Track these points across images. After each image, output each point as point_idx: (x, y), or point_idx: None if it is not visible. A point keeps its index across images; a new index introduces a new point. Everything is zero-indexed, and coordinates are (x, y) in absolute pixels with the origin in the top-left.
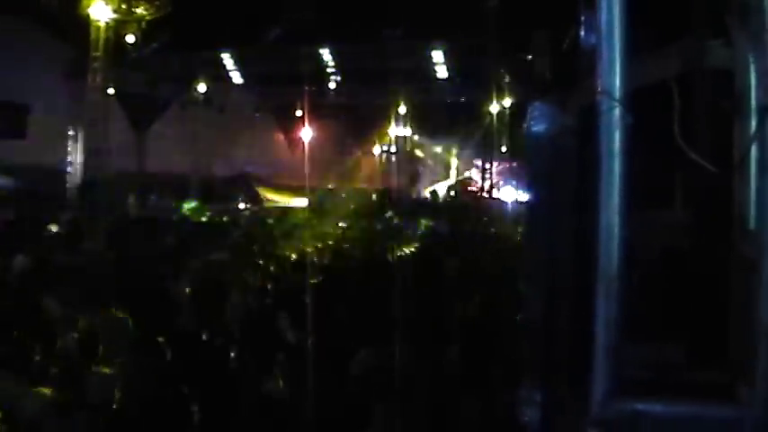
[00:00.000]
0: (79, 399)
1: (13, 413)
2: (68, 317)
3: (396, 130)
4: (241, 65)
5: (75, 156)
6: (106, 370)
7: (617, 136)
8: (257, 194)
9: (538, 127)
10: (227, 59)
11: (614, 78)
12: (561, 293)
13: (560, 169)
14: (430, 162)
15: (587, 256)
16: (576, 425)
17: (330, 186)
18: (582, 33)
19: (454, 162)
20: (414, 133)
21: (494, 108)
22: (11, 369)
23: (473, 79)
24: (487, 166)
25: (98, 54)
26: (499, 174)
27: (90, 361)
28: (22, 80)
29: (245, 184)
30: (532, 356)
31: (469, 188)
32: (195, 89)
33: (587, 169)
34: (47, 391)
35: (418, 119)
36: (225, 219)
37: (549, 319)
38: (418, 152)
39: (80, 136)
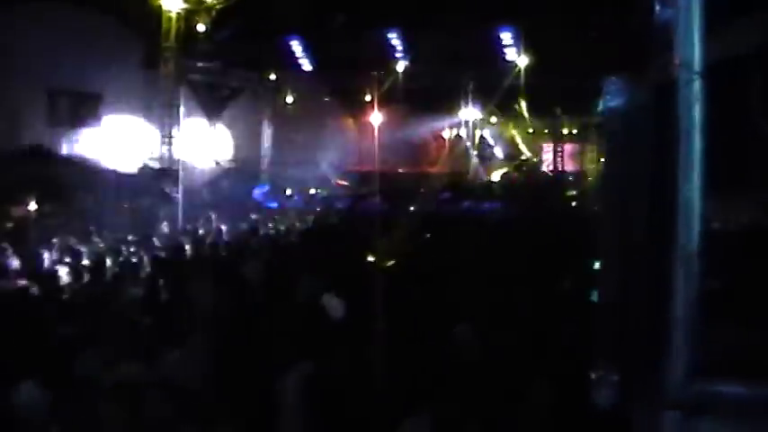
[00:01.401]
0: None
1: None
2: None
3: (465, 113)
4: (309, 51)
5: (151, 144)
6: (183, 351)
7: (696, 110)
8: (328, 180)
9: (612, 103)
10: (296, 46)
11: (692, 51)
12: (637, 271)
13: (636, 145)
14: (499, 144)
15: (665, 233)
16: (652, 407)
17: (400, 170)
18: (655, 7)
19: (522, 143)
20: (484, 115)
21: (563, 87)
22: (95, 346)
23: (542, 59)
24: (557, 147)
25: (170, 44)
26: (570, 156)
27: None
28: (96, 71)
29: (316, 170)
30: (607, 336)
31: (530, 169)
32: (265, 76)
33: (663, 145)
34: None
35: (488, 101)
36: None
37: (624, 297)
38: (487, 134)
39: (155, 124)
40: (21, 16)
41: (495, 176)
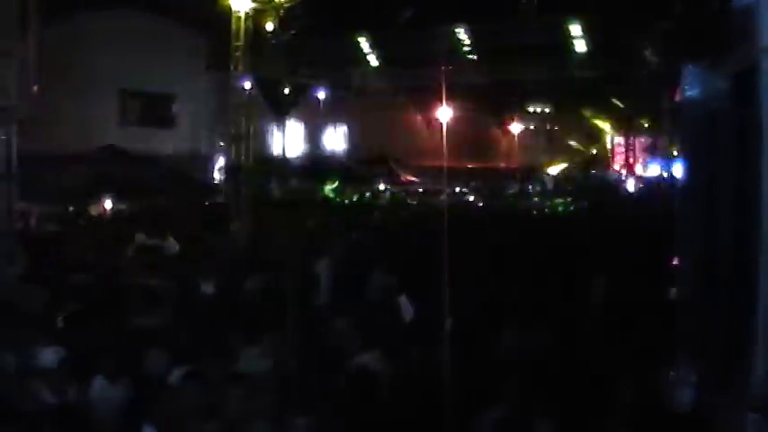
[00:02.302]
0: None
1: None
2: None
3: (534, 106)
4: (376, 47)
5: (219, 142)
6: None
7: None
8: (397, 175)
9: (690, 93)
10: (364, 42)
11: None
12: (718, 269)
13: (715, 137)
14: (567, 138)
15: (749, 230)
16: (734, 407)
17: (469, 165)
18: None
19: (590, 137)
20: (552, 109)
21: (633, 79)
22: (162, 346)
23: (612, 51)
24: (628, 140)
25: (238, 43)
26: (644, 150)
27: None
28: (166, 72)
29: (384, 166)
30: (687, 335)
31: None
32: (333, 73)
33: (745, 135)
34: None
35: (556, 94)
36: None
37: (705, 296)
38: (556, 128)
39: (223, 123)
40: (94, 22)
41: (553, 171)
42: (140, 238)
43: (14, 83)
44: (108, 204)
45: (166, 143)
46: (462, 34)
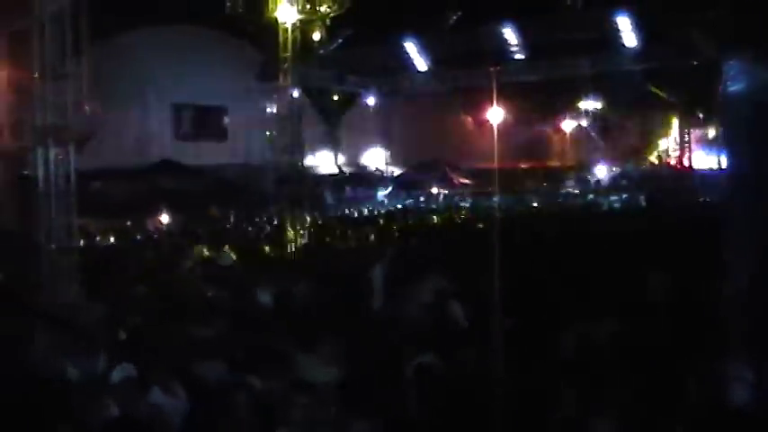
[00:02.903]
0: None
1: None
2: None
3: (585, 104)
4: (424, 51)
5: (272, 152)
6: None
7: None
8: (449, 179)
9: (735, 86)
10: (410, 47)
11: None
12: None
13: (762, 129)
14: (618, 134)
15: None
16: None
17: (522, 166)
18: None
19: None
20: (603, 105)
21: (686, 71)
22: (221, 357)
23: (661, 44)
24: (683, 134)
25: (286, 54)
26: (697, 142)
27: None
28: (218, 85)
29: (436, 170)
30: (740, 331)
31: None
32: (382, 80)
33: None
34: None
35: (607, 90)
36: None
37: (757, 296)
38: (608, 125)
39: (275, 133)
40: (146, 37)
41: (601, 170)
42: (198, 249)
43: (70, 103)
44: (164, 218)
45: (219, 155)
46: (510, 33)
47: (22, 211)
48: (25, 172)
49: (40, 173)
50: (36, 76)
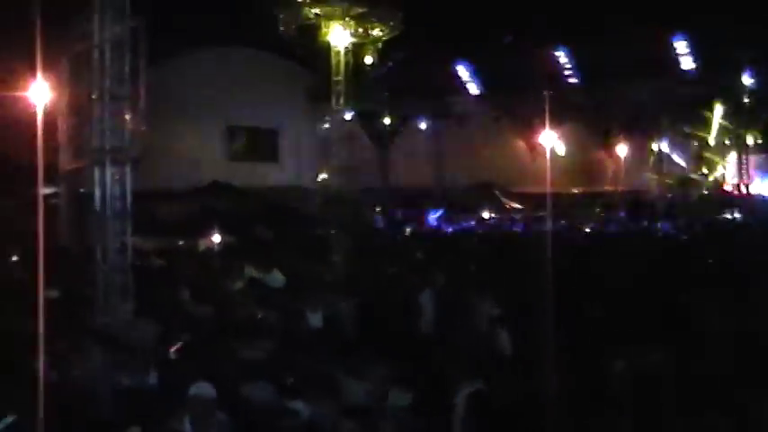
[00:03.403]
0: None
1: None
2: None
3: (641, 128)
4: (477, 74)
5: (323, 174)
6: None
7: None
8: (501, 203)
9: None
10: (463, 70)
11: None
12: None
13: None
14: (680, 158)
15: None
16: None
17: (575, 191)
18: None
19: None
20: (661, 129)
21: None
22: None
23: (720, 66)
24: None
25: (338, 77)
26: (757, 167)
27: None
28: (272, 107)
29: (488, 194)
30: None
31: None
32: (433, 103)
33: None
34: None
35: (664, 113)
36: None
37: None
38: (665, 148)
39: (326, 155)
40: (201, 59)
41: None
42: (248, 271)
43: (127, 124)
44: (216, 238)
45: (271, 177)
46: (564, 56)
47: (79, 230)
48: (82, 190)
49: (97, 192)
50: (94, 97)
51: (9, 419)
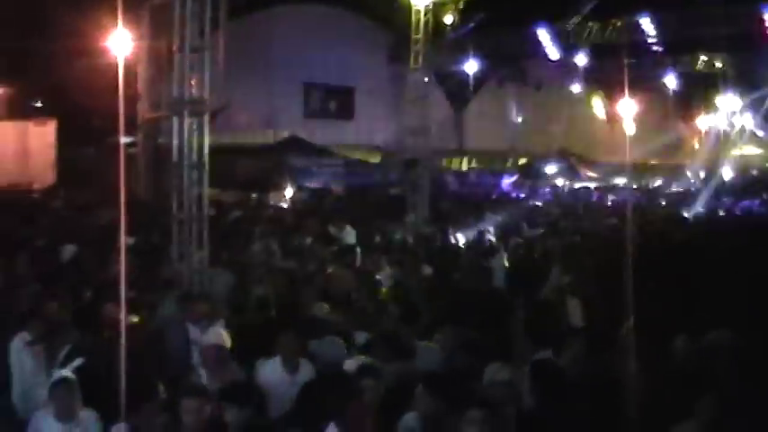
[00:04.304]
0: None
1: None
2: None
3: (724, 101)
4: (557, 39)
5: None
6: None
7: None
8: (576, 171)
9: None
10: (543, 34)
11: None
12: None
13: None
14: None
15: None
16: None
17: (653, 162)
18: None
19: None
20: (745, 102)
21: None
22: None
23: None
24: None
25: (417, 36)
26: None
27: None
28: (348, 65)
29: (564, 161)
30: None
31: None
32: (511, 66)
33: None
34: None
35: (749, 86)
36: None
37: None
38: (749, 123)
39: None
40: (278, 15)
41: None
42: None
43: (207, 76)
44: (288, 193)
45: (345, 135)
46: (647, 25)
47: (155, 179)
48: (159, 140)
49: (175, 143)
50: (175, 49)
51: (78, 362)
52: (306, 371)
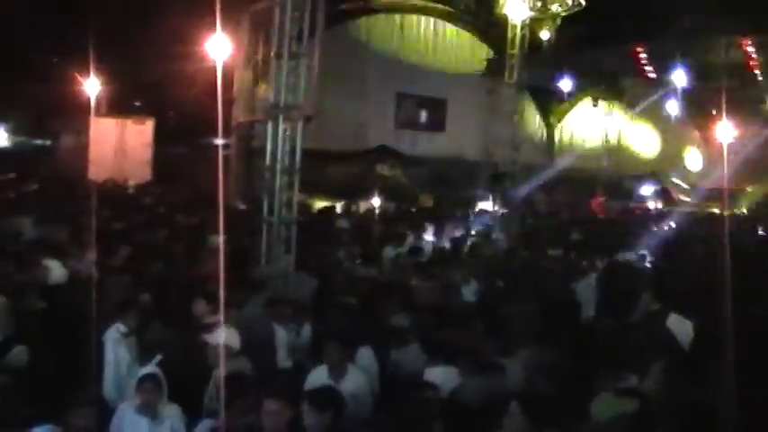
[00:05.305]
0: None
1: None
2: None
3: None
4: (654, 58)
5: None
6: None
7: None
8: (669, 194)
9: None
10: (641, 53)
11: None
12: None
13: None
14: None
15: None
16: None
17: (748, 188)
18: None
19: None
20: None
21: None
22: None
23: None
24: None
25: (513, 51)
26: None
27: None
28: (441, 77)
29: (656, 183)
30: None
31: None
32: (606, 83)
33: None
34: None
35: None
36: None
37: None
38: None
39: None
40: (375, 24)
41: None
42: (409, 238)
43: (302, 83)
44: (376, 202)
45: (435, 146)
46: (747, 46)
47: (247, 181)
48: (253, 143)
49: (269, 147)
50: (273, 54)
51: (158, 357)
52: (353, 378)
